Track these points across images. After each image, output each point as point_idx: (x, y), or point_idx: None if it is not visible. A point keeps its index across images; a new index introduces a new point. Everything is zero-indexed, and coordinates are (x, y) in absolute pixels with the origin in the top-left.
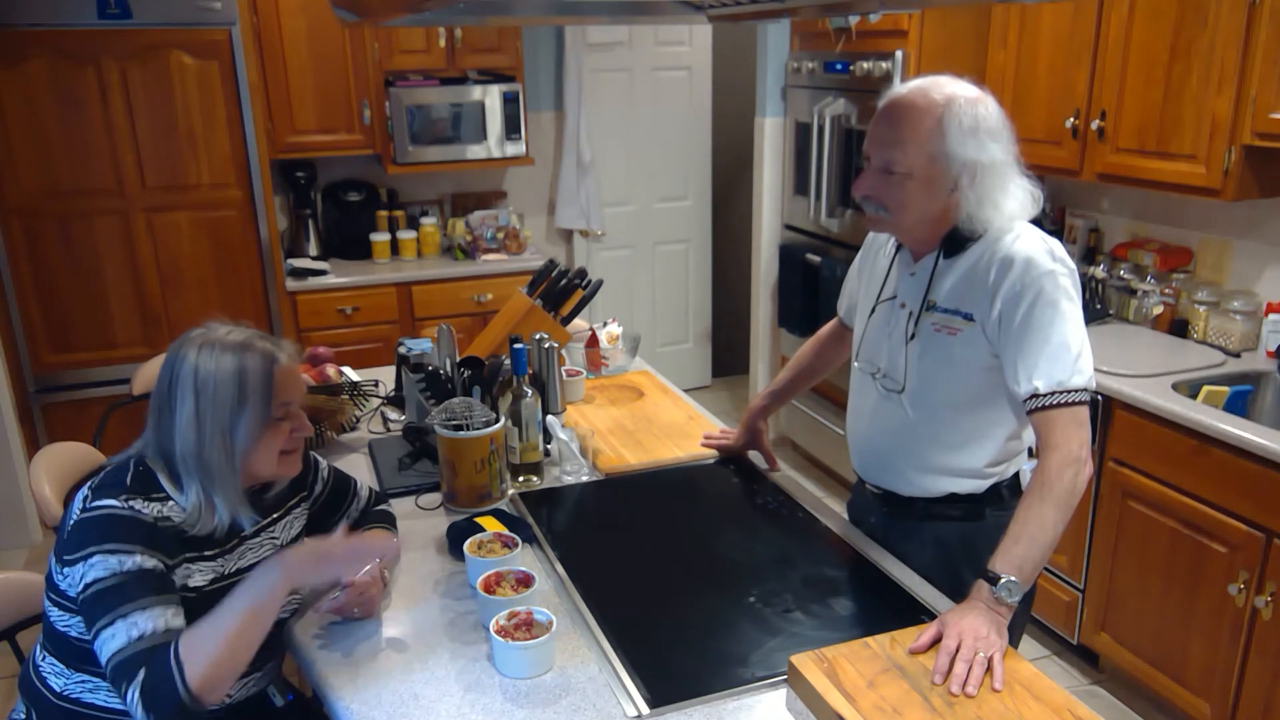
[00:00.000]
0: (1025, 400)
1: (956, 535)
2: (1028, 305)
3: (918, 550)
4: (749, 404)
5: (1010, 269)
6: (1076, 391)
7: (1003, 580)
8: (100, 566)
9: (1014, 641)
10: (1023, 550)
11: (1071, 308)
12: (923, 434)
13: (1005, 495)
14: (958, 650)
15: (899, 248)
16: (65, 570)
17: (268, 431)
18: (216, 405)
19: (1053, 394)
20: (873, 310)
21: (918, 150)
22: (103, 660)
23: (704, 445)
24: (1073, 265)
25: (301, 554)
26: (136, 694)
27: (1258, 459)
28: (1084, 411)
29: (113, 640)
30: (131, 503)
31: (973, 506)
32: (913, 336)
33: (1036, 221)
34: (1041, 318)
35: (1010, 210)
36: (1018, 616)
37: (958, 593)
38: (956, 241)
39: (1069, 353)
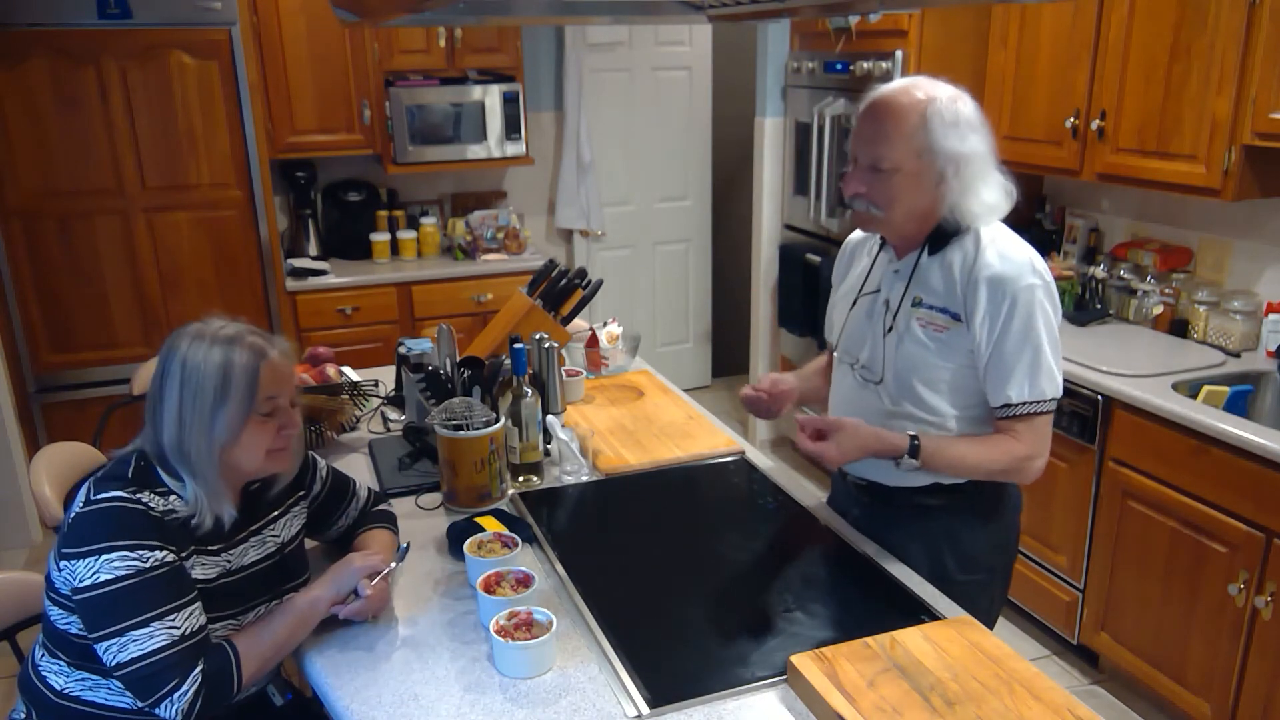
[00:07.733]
0: (997, 408)
1: (940, 526)
2: (1007, 317)
3: (902, 541)
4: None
5: (994, 280)
6: (1047, 401)
7: (910, 460)
8: (121, 564)
9: (989, 622)
10: (947, 457)
11: (1049, 322)
12: (901, 424)
13: (987, 485)
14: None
15: (882, 245)
16: (65, 564)
17: (250, 427)
18: (199, 398)
19: (1024, 404)
20: (854, 303)
21: (904, 145)
22: (131, 657)
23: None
24: (1051, 278)
25: (340, 566)
26: (192, 689)
27: (1258, 459)
28: (1050, 419)
29: (149, 641)
30: (139, 495)
31: (956, 497)
32: (890, 329)
33: (1012, 220)
34: (1020, 330)
35: (991, 202)
36: (995, 598)
37: (943, 582)
38: (940, 237)
39: (1043, 365)
